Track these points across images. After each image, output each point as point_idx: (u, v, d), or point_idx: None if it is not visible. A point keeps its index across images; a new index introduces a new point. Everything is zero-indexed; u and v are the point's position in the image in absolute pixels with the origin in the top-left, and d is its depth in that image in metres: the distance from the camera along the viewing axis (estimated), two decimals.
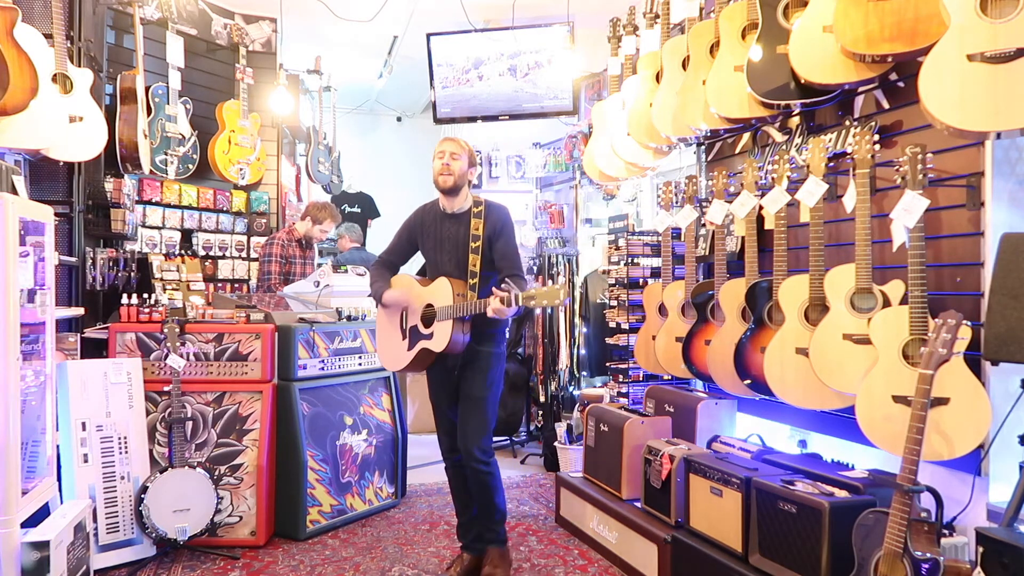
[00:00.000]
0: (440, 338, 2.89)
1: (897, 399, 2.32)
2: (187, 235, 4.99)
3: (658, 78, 3.65)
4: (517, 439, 5.50)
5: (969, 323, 2.19)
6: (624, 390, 4.23)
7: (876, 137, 2.52)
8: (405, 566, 3.25)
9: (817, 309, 2.70)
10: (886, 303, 2.47)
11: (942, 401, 2.22)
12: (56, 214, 3.20)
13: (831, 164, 2.80)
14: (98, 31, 4.17)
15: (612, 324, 4.31)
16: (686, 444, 3.17)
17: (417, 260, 3.31)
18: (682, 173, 3.96)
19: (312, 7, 5.33)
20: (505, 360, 3.14)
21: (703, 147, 3.92)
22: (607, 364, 4.40)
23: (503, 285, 2.67)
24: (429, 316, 2.99)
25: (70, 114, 3.46)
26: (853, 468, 2.61)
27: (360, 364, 3.98)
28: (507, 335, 3.15)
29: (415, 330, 3.04)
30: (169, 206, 4.86)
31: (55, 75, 3.42)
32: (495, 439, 4.87)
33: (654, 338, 3.68)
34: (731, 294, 3.17)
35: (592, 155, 4.16)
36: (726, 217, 3.33)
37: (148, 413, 3.39)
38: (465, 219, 3.01)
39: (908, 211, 2.32)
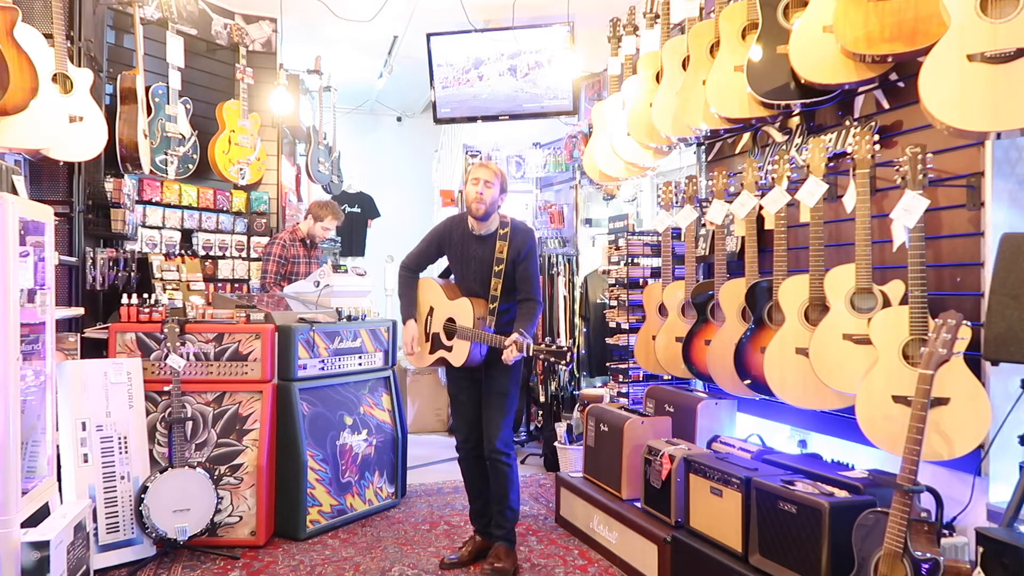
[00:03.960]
0: (459, 355, 3.09)
1: (897, 399, 2.32)
2: (187, 235, 4.98)
3: (658, 78, 3.65)
4: (517, 439, 5.50)
5: (969, 323, 2.19)
6: (624, 390, 4.23)
7: (876, 137, 2.52)
8: (405, 566, 3.25)
9: (817, 309, 2.70)
10: (886, 303, 2.47)
11: (942, 401, 2.22)
12: (56, 214, 3.20)
13: (831, 164, 2.80)
14: (98, 31, 4.17)
15: (612, 324, 4.31)
16: (686, 444, 3.16)
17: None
18: (682, 173, 3.96)
19: (312, 7, 5.32)
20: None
21: (703, 147, 3.92)
22: (607, 364, 4.40)
23: (516, 335, 2.88)
24: (451, 331, 3.14)
25: (70, 114, 3.46)
26: (853, 468, 2.61)
27: (360, 364, 3.98)
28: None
29: (437, 338, 3.20)
30: (169, 206, 4.86)
31: (55, 75, 3.41)
32: None
33: (654, 338, 3.69)
34: (731, 294, 3.17)
35: (592, 155, 4.16)
36: (726, 217, 3.34)
37: (148, 413, 3.39)
38: (491, 241, 3.14)
39: (908, 211, 2.32)
